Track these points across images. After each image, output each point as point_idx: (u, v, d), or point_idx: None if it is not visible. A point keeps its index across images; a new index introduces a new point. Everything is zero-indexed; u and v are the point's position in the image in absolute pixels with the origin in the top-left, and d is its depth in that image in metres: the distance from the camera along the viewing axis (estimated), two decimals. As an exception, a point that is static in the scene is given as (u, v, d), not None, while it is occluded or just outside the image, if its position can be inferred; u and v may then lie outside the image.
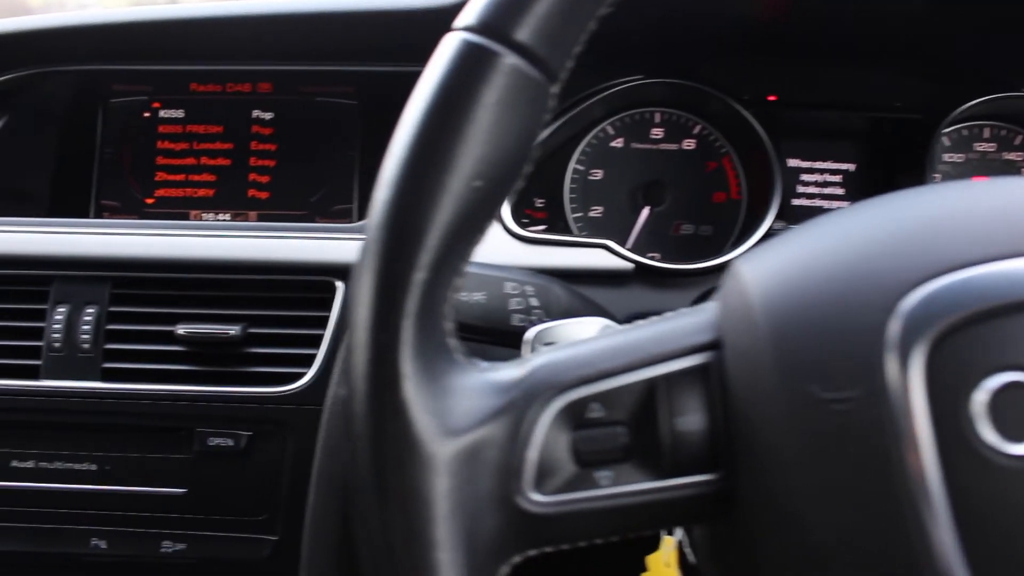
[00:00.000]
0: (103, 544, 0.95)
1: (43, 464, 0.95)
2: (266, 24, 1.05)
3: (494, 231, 0.89)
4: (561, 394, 0.46)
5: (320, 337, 0.92)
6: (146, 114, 1.12)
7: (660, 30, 1.06)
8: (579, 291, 0.81)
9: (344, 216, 1.09)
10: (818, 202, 1.12)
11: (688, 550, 0.67)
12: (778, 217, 1.02)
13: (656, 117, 1.12)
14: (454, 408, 0.46)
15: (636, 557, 0.82)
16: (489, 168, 0.44)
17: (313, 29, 1.05)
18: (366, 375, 0.45)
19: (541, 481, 0.45)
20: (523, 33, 0.42)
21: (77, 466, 0.95)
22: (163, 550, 0.94)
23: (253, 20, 1.04)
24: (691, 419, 0.46)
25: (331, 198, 1.10)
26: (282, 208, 1.10)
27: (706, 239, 1.11)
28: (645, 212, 1.09)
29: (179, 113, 1.12)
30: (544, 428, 0.46)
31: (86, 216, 1.12)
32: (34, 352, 0.95)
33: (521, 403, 0.46)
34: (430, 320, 0.45)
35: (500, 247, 0.95)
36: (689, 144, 1.12)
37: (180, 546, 0.94)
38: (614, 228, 1.09)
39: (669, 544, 0.86)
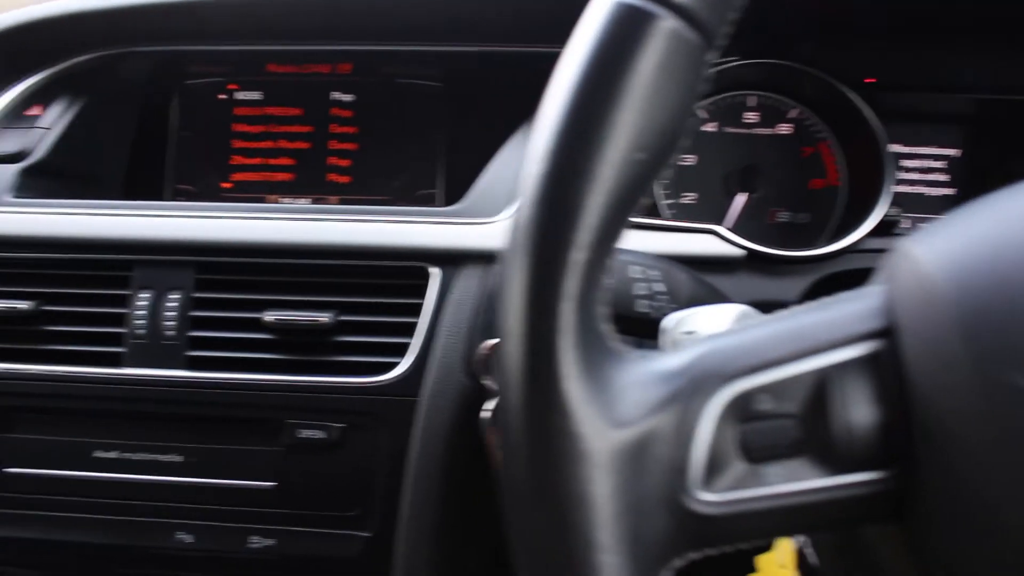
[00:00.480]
0: (189, 538, 0.91)
1: (127, 455, 0.92)
2: (346, 2, 1.01)
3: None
4: (727, 384, 0.43)
5: (413, 325, 0.88)
6: (222, 96, 1.09)
7: (756, 10, 1.01)
8: (701, 277, 0.77)
9: (428, 201, 1.06)
10: (920, 189, 1.07)
11: (810, 551, 0.63)
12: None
13: (750, 101, 1.07)
14: (617, 399, 0.42)
15: (745, 556, 0.78)
16: (650, 139, 0.41)
17: (396, 7, 1.01)
18: (522, 366, 0.41)
19: (708, 478, 0.42)
20: None
21: (162, 457, 0.91)
22: (251, 545, 0.90)
23: None
24: (863, 411, 0.42)
25: (414, 183, 1.06)
26: (363, 193, 1.06)
27: (803, 226, 1.06)
28: (740, 198, 1.05)
29: (256, 95, 1.09)
30: (711, 421, 0.42)
31: (162, 200, 1.08)
32: (116, 339, 0.92)
33: (686, 393, 0.42)
34: (588, 304, 0.41)
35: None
36: (785, 128, 1.07)
37: (269, 542, 0.90)
38: (707, 215, 1.05)
39: (785, 544, 0.82)
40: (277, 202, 1.07)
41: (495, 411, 0.42)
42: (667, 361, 0.44)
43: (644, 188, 0.42)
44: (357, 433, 0.88)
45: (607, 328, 0.43)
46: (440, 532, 0.88)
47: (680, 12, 0.40)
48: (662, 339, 0.64)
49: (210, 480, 0.91)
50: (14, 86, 1.05)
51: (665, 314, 0.73)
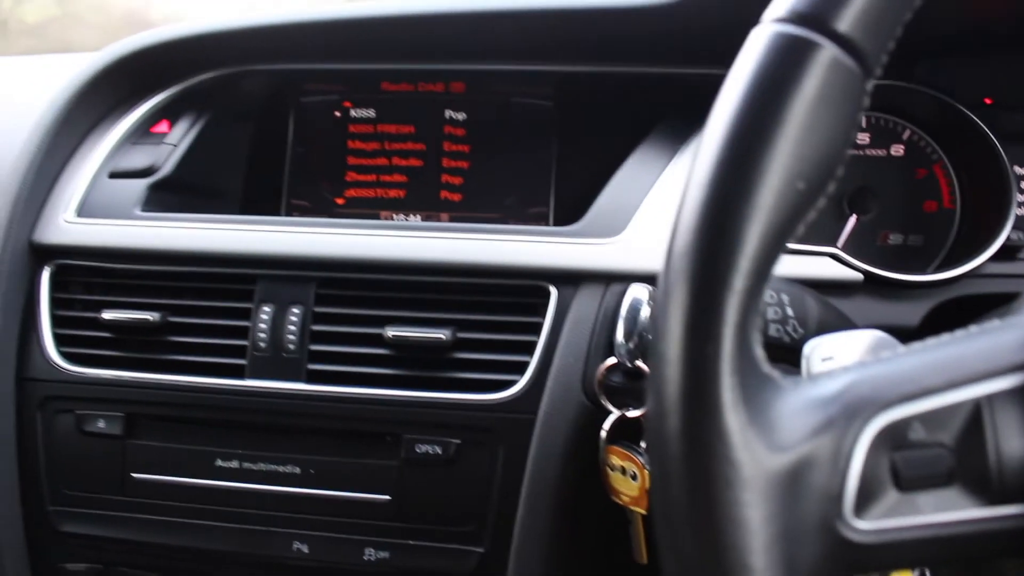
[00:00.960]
0: (305, 548, 0.93)
1: (247, 465, 0.94)
2: (460, 23, 1.03)
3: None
4: (882, 412, 0.43)
5: (532, 344, 0.89)
6: (337, 113, 1.11)
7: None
8: (828, 301, 0.77)
9: (540, 220, 1.06)
10: (1041, 213, 1.05)
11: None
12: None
13: (863, 122, 1.06)
14: (774, 425, 0.43)
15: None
16: (810, 168, 0.42)
17: (510, 28, 1.03)
18: (682, 392, 0.42)
19: (861, 506, 0.43)
20: (844, 23, 0.41)
21: (281, 468, 0.94)
22: (366, 558, 0.92)
23: (447, 18, 1.02)
24: (1017, 443, 0.43)
25: (526, 201, 1.07)
26: (474, 210, 1.07)
27: (915, 249, 1.05)
28: (852, 220, 1.04)
29: (370, 112, 1.11)
30: (864, 448, 0.43)
31: (277, 215, 1.11)
32: (239, 351, 0.94)
33: (841, 420, 0.43)
34: (746, 331, 0.42)
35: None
36: (897, 150, 1.06)
37: (383, 554, 0.91)
38: (817, 236, 1.04)
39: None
40: (390, 218, 1.09)
41: (647, 435, 0.43)
42: (821, 387, 0.44)
43: (803, 217, 0.43)
44: (473, 449, 0.89)
45: (762, 354, 0.43)
46: (553, 550, 0.89)
47: (841, 42, 0.41)
48: (804, 365, 0.64)
49: (327, 492, 0.93)
50: (141, 104, 1.08)
51: (795, 339, 0.73)
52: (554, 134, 1.08)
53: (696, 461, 0.42)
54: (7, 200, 1.00)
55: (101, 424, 0.97)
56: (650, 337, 0.83)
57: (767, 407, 0.43)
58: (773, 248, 0.42)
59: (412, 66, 1.09)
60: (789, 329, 0.72)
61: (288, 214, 1.11)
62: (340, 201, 1.11)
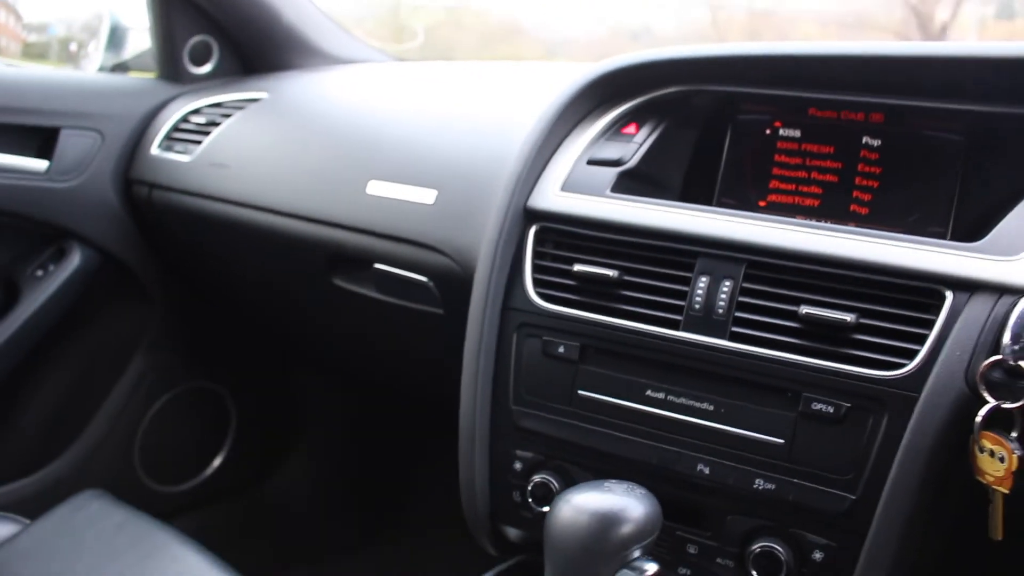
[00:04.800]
0: (707, 470, 1.17)
1: (671, 397, 1.20)
2: (886, 64, 1.22)
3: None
4: None
5: (924, 336, 1.06)
6: (768, 131, 1.34)
7: None
8: None
9: (938, 237, 1.23)
10: None
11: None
12: None
13: None
14: None
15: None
16: None
17: (932, 70, 1.20)
18: None
19: None
20: None
21: (697, 404, 1.18)
22: (755, 486, 1.14)
23: (875, 60, 1.22)
24: None
25: (926, 221, 1.24)
26: (880, 224, 1.25)
27: None
28: None
29: (796, 133, 1.33)
30: None
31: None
32: (677, 309, 1.20)
33: None
34: None
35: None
36: None
37: (769, 486, 1.13)
38: None
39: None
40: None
41: None
42: None
43: None
44: (860, 414, 1.08)
45: None
46: (916, 510, 1.06)
47: None
48: None
49: (732, 428, 1.16)
50: (615, 108, 1.38)
51: None
52: (960, 164, 1.23)
53: None
54: (514, 174, 1.33)
55: (561, 349, 1.27)
56: None
57: None
58: None
59: (837, 96, 1.29)
60: None
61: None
62: (762, 203, 1.33)
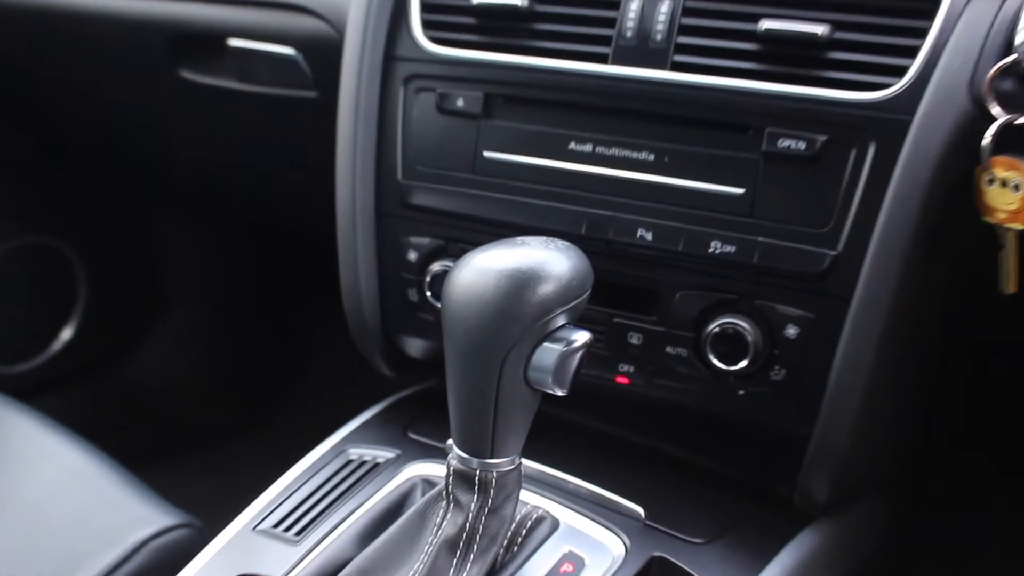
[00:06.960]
0: (649, 236, 0.94)
1: (600, 149, 0.96)
2: None
3: None
4: None
5: (916, 48, 0.85)
6: None
7: None
8: None
9: None
10: None
11: None
12: None
13: None
14: None
15: None
16: None
17: None
18: None
19: None
20: None
21: (634, 154, 0.95)
22: (710, 251, 0.92)
23: None
24: None
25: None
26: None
27: None
28: None
29: None
30: None
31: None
32: (604, 40, 0.97)
33: None
34: None
35: None
36: None
37: (728, 248, 0.91)
38: None
39: None
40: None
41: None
42: None
43: None
44: (839, 148, 0.87)
45: None
46: (911, 262, 0.86)
47: None
48: None
49: (678, 181, 0.94)
50: None
51: None
52: None
53: None
54: None
55: (460, 103, 1.02)
56: None
57: None
58: None
59: None
60: None
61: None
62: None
